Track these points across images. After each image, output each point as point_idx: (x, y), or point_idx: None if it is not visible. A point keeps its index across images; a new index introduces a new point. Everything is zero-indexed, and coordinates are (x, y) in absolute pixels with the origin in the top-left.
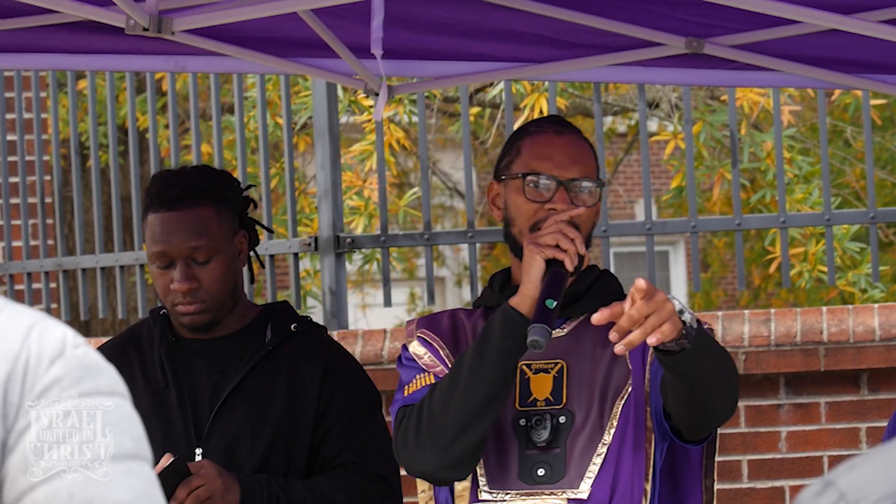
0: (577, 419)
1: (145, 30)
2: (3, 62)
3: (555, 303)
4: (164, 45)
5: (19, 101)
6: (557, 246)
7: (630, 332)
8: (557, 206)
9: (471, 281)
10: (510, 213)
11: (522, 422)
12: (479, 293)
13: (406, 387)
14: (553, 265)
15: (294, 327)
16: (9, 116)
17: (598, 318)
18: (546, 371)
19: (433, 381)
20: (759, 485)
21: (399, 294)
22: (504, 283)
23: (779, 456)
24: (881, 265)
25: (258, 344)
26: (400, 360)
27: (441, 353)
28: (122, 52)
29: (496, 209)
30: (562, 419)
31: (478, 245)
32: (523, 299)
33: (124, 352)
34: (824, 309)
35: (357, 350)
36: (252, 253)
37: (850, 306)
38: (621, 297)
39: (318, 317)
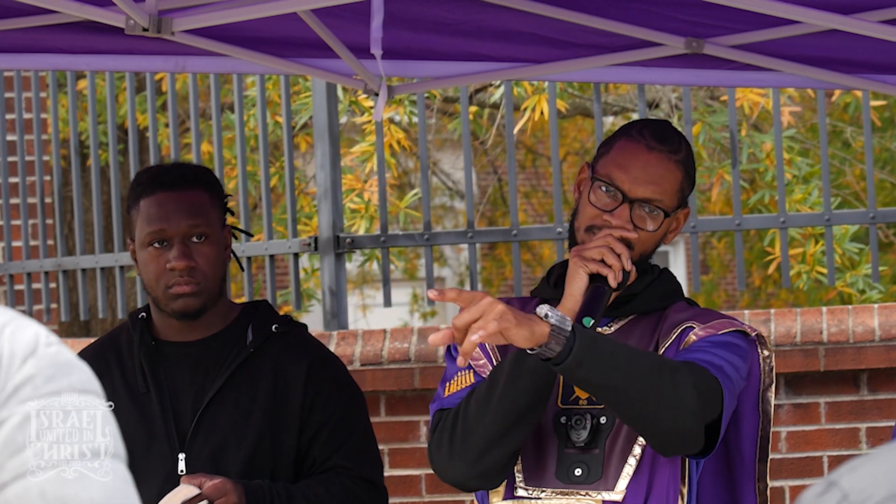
0: (616, 420)
1: (145, 30)
2: (3, 62)
3: (592, 321)
4: (163, 45)
5: (19, 101)
6: (602, 261)
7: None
8: (612, 221)
9: (471, 281)
10: (579, 204)
11: (563, 420)
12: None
13: (447, 384)
14: (596, 280)
15: (275, 328)
16: (9, 116)
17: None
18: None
19: (473, 382)
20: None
21: (400, 295)
22: (560, 277)
23: (779, 456)
24: (881, 265)
25: (239, 346)
26: (448, 349)
27: (486, 345)
28: (122, 53)
29: (577, 192)
30: (602, 420)
31: (478, 245)
32: (564, 312)
33: (104, 357)
34: (824, 309)
35: (357, 350)
36: (231, 253)
37: (850, 307)
38: (679, 296)
39: (317, 317)
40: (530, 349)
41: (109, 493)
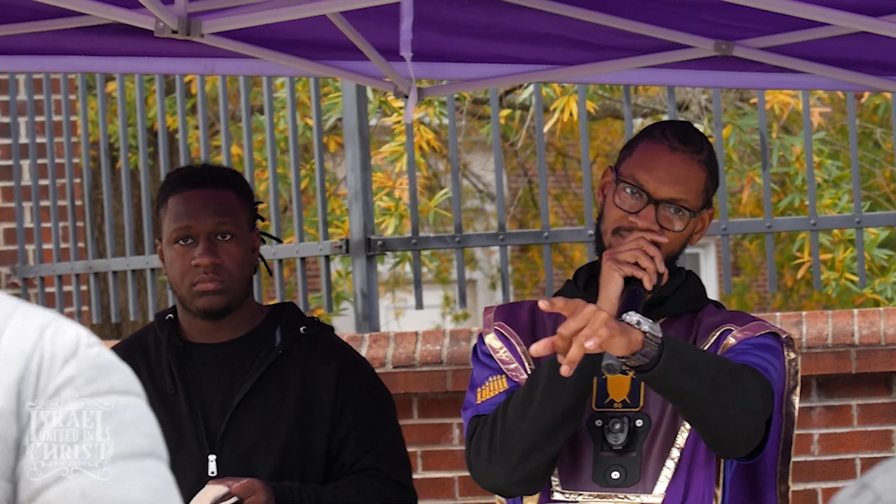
0: (653, 423)
1: (174, 32)
2: (33, 65)
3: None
4: (193, 47)
5: (48, 103)
6: (636, 264)
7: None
8: (639, 223)
9: (503, 283)
10: (605, 207)
11: (598, 423)
12: (511, 296)
13: (479, 390)
14: (631, 283)
15: (303, 330)
16: (38, 119)
17: (535, 349)
18: (623, 372)
19: (507, 387)
20: (792, 487)
21: (432, 297)
22: (588, 280)
23: (811, 458)
24: None
25: (268, 348)
26: (475, 353)
27: (518, 349)
28: (151, 55)
29: (601, 195)
30: (639, 423)
31: (509, 247)
32: None
33: (131, 358)
34: (855, 311)
35: (389, 353)
36: (260, 257)
37: (882, 308)
38: (706, 299)
39: (349, 319)
40: (622, 357)
41: (150, 493)
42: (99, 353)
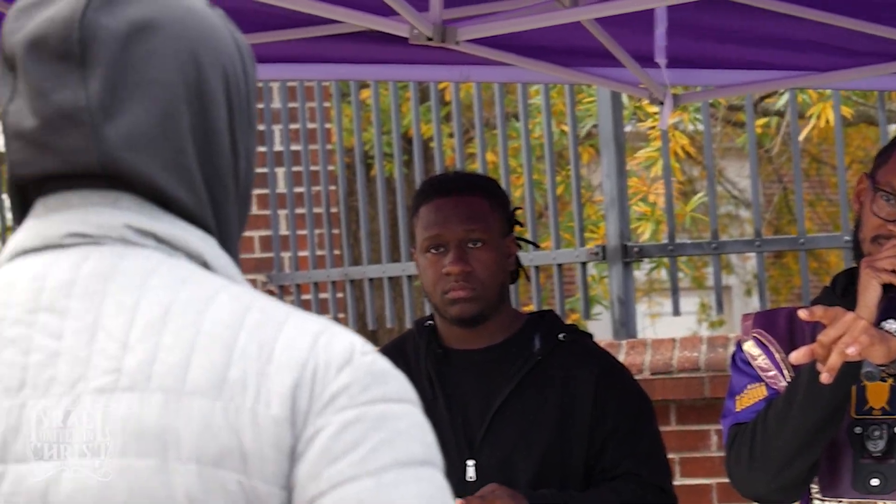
0: None
1: (429, 39)
2: (287, 73)
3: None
4: (447, 54)
5: (303, 111)
6: (895, 271)
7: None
8: (895, 230)
9: (759, 290)
10: (861, 215)
11: (858, 430)
12: (767, 302)
13: (738, 398)
14: (890, 290)
15: (562, 336)
16: (292, 126)
17: (794, 357)
18: (882, 380)
19: (766, 395)
20: None
21: (688, 303)
22: (847, 287)
23: None
24: None
25: (526, 355)
26: (733, 360)
27: (776, 356)
28: (406, 62)
29: (857, 203)
30: None
31: (765, 253)
32: None
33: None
34: None
35: (646, 359)
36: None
37: None
38: None
39: (605, 325)
40: (882, 364)
41: (425, 500)
42: (373, 360)
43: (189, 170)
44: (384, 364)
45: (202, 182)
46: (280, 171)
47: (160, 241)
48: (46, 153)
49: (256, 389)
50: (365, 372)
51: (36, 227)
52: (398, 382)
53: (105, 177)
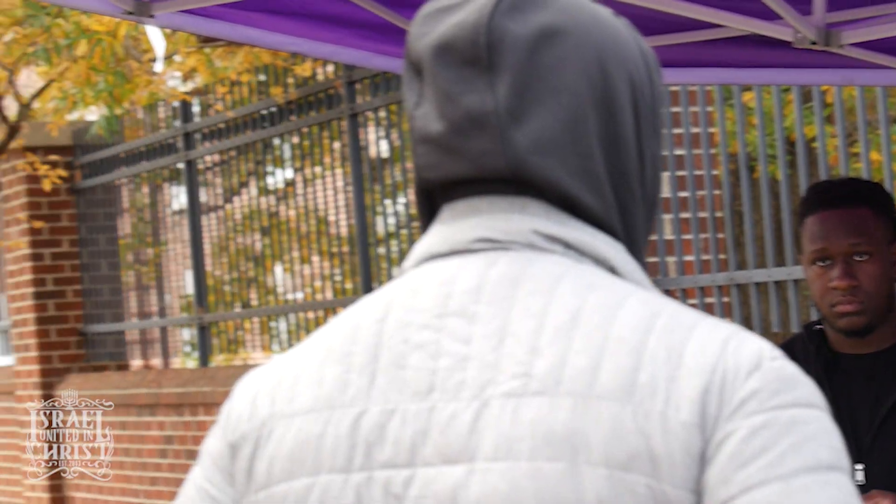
0: None
1: (813, 43)
2: (670, 77)
3: None
4: (829, 58)
5: (686, 115)
6: None
7: None
8: None
9: None
10: None
11: None
12: None
13: None
14: None
15: None
16: (676, 131)
17: None
18: None
19: None
20: None
21: None
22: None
23: None
24: None
25: None
26: None
27: None
28: (788, 66)
29: None
30: None
31: None
32: None
33: None
34: None
35: None
36: None
37: None
38: None
39: None
40: None
41: None
42: (782, 366)
43: (597, 175)
44: (793, 369)
45: (610, 188)
46: (664, 176)
47: (568, 246)
48: (454, 157)
49: (666, 394)
50: (774, 377)
51: (443, 232)
52: (807, 388)
53: (512, 182)
